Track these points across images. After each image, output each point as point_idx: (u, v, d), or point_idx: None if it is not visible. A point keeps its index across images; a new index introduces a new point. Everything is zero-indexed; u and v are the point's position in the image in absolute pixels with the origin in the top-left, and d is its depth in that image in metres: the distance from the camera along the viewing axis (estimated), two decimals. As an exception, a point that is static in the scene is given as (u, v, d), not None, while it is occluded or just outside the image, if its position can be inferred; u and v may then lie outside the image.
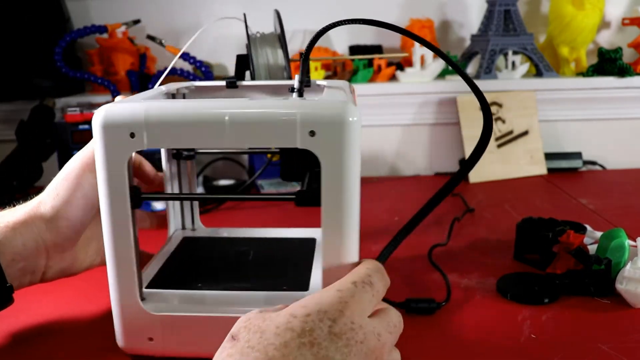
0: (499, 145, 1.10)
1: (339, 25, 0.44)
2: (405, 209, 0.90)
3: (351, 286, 0.38)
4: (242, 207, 0.93)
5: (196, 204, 0.65)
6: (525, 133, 1.11)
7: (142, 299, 0.46)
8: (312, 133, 0.40)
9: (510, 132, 1.11)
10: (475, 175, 1.07)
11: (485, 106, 0.44)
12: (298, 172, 0.48)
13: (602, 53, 1.12)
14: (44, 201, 0.49)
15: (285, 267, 0.54)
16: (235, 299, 0.47)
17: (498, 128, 1.11)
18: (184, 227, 0.65)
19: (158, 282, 0.50)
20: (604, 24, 1.21)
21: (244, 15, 0.58)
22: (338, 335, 0.34)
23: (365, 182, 1.08)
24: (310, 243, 0.59)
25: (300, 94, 0.46)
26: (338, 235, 0.42)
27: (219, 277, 0.51)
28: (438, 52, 0.46)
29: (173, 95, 0.58)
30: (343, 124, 0.39)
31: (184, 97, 0.59)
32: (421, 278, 0.63)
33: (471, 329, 0.52)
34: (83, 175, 0.48)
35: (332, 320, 0.34)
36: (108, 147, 0.41)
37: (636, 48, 1.15)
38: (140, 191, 0.44)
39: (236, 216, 0.89)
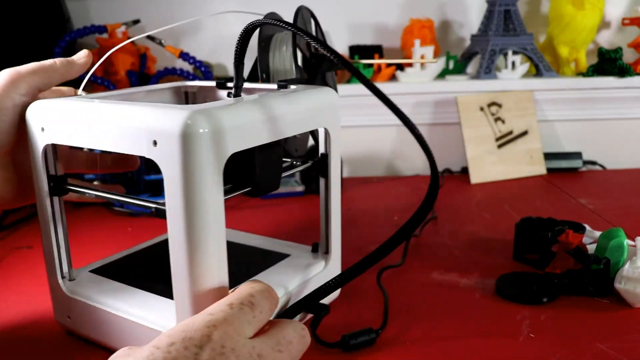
0: (500, 146, 1.10)
1: (261, 26, 0.44)
2: (404, 209, 0.90)
3: (225, 308, 0.35)
4: (243, 207, 0.93)
5: None
6: (525, 133, 1.11)
7: (72, 279, 0.51)
8: (155, 143, 0.37)
9: (510, 132, 1.11)
10: (476, 175, 1.07)
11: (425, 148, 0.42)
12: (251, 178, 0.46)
13: (602, 53, 1.12)
14: None
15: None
16: (138, 300, 0.47)
17: (498, 128, 1.11)
18: None
19: (104, 269, 0.54)
20: (604, 24, 1.21)
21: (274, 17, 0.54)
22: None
23: (364, 182, 1.09)
24: (278, 258, 0.56)
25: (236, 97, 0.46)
26: (183, 258, 0.39)
27: (155, 277, 0.53)
28: (354, 71, 0.41)
29: (186, 93, 0.59)
30: (182, 135, 0.36)
31: (194, 95, 0.60)
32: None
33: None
34: (11, 87, 0.45)
35: (198, 347, 0.32)
36: (30, 138, 0.46)
37: (636, 48, 1.15)
38: (66, 181, 0.47)
39: (243, 216, 0.89)
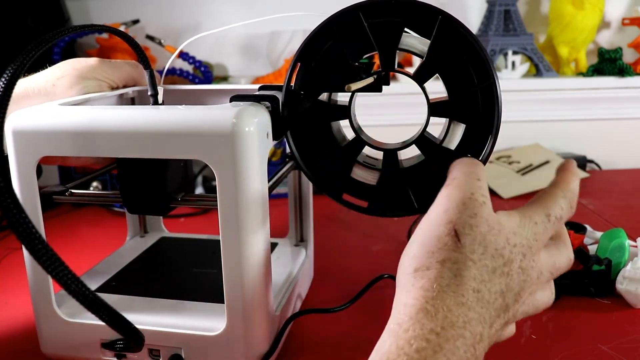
0: (523, 174, 1.04)
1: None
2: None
3: (545, 220, 0.37)
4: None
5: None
6: (547, 162, 1.07)
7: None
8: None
9: (530, 165, 1.06)
10: (505, 193, 0.97)
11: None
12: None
13: (602, 53, 1.12)
14: None
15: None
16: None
17: (517, 167, 1.06)
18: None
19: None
20: (604, 24, 1.21)
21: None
22: (524, 270, 0.35)
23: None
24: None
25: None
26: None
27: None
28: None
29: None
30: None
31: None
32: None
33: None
34: None
35: (523, 254, 0.35)
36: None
37: (636, 48, 1.15)
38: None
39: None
